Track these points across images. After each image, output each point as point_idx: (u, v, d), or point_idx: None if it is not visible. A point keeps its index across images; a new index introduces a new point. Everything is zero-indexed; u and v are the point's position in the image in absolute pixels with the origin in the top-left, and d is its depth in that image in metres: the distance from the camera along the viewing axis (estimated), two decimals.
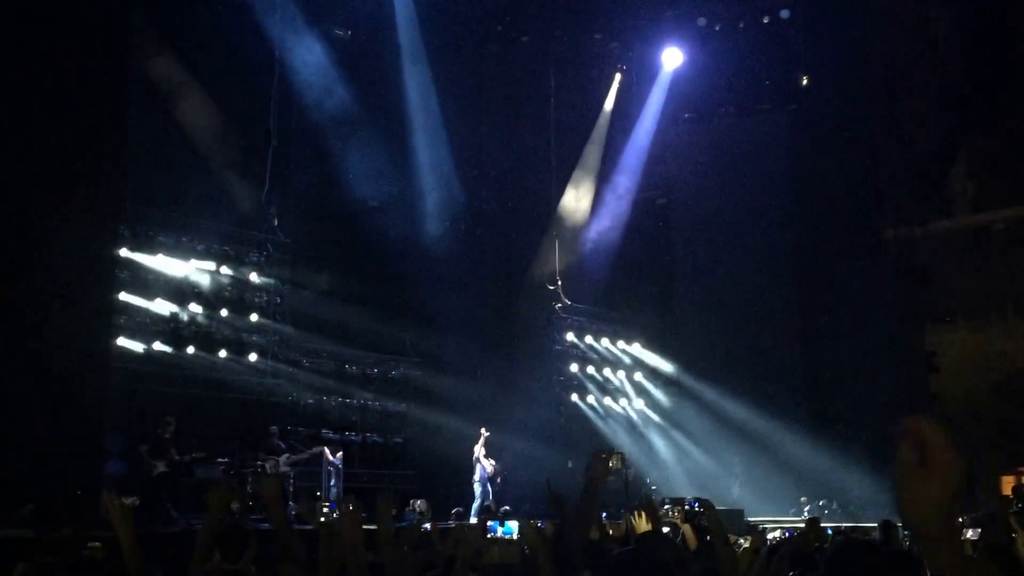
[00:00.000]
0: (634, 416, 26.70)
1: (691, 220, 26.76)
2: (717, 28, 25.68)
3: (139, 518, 13.08)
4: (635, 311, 27.15)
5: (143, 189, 18.26)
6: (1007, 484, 20.03)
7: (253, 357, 20.26)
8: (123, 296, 17.95)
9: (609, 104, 26.66)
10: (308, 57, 21.22)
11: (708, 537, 6.36)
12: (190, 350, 19.35)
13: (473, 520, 17.51)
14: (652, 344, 27.00)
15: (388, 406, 22.85)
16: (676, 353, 26.64)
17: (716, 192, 26.01)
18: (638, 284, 27.27)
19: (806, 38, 25.22)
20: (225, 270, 20.05)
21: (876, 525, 11.62)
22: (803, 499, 22.47)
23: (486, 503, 19.27)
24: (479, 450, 20.05)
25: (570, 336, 25.63)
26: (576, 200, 26.48)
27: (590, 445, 22.26)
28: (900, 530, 11.52)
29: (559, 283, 25.17)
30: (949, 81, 24.51)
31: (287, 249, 21.02)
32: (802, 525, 12.09)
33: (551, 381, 25.18)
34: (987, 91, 24.42)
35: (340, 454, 19.10)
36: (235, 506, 15.26)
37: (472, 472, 20.06)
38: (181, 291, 19.38)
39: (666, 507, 16.01)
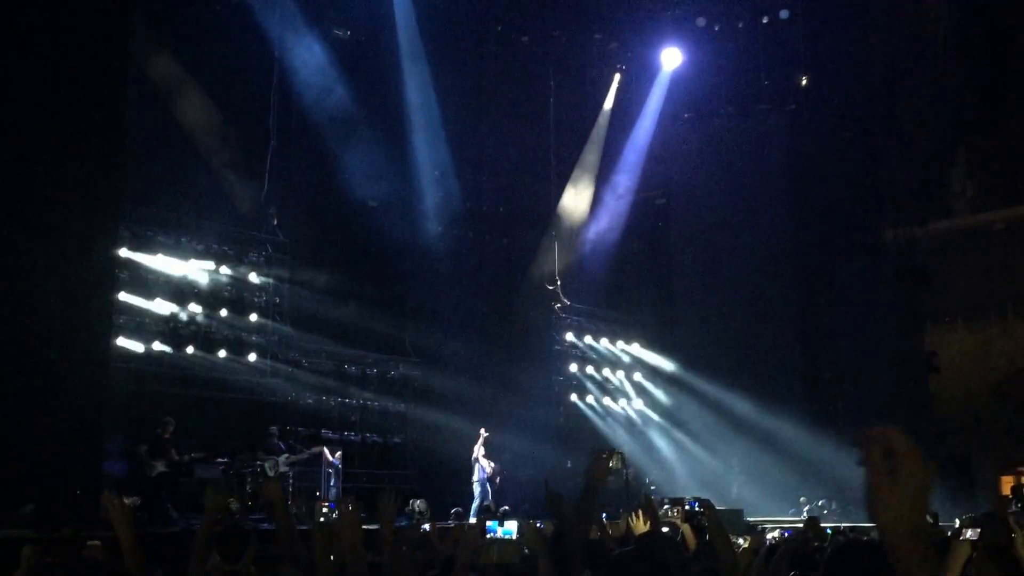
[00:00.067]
0: (634, 416, 26.70)
1: (690, 220, 26.77)
2: (716, 28, 25.70)
3: (138, 518, 13.11)
4: (634, 311, 27.17)
5: (143, 189, 18.25)
6: (1006, 484, 20.06)
7: (252, 357, 20.26)
8: (123, 296, 17.94)
9: (608, 104, 26.68)
10: (308, 57, 21.21)
11: (707, 537, 6.36)
12: (189, 350, 19.34)
13: (472, 520, 17.51)
14: (651, 344, 27.00)
15: (387, 406, 22.85)
16: (676, 353, 26.64)
17: (715, 192, 26.03)
18: (637, 284, 27.30)
19: (805, 38, 25.24)
20: (224, 270, 20.05)
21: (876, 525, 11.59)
22: (802, 499, 22.46)
23: (485, 503, 19.27)
24: (478, 450, 20.05)
25: (569, 336, 25.64)
26: (575, 200, 26.48)
27: (590, 445, 22.24)
28: None
29: (558, 283, 25.18)
30: (949, 81, 24.54)
31: (287, 249, 21.02)
32: (801, 525, 12.08)
33: (551, 381, 25.20)
34: (987, 91, 24.44)
35: (339, 454, 19.10)
36: (235, 506, 15.26)
37: (471, 472, 20.07)
38: (181, 291, 19.37)
39: (665, 507, 16.00)
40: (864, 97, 25.50)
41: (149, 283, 18.83)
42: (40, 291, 13.97)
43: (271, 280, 20.80)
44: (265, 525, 13.78)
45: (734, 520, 17.51)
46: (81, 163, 14.71)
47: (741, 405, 24.44)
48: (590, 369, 26.13)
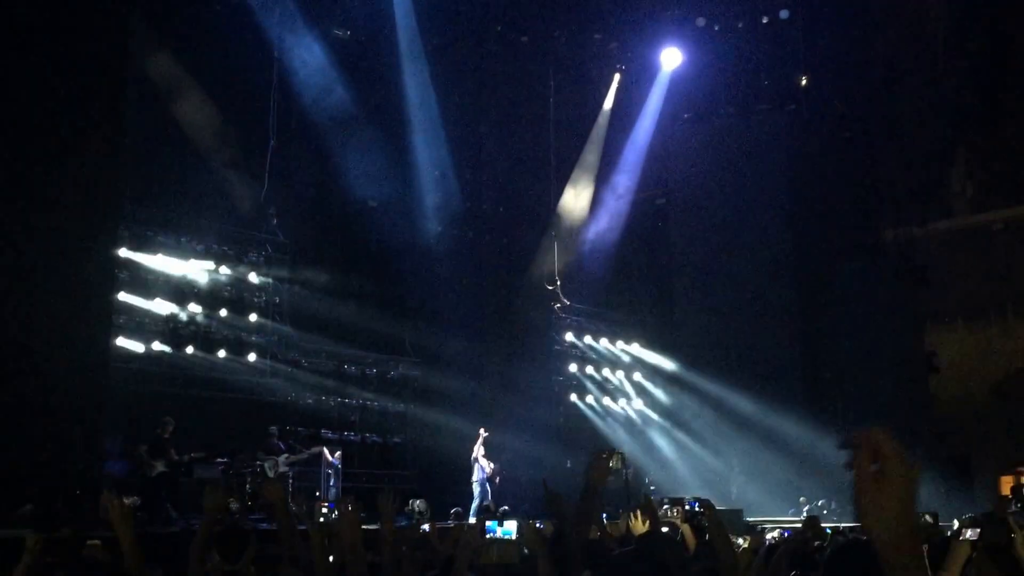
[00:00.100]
0: (633, 416, 26.70)
1: (690, 220, 26.77)
2: (716, 28, 25.69)
3: (138, 518, 13.10)
4: (634, 311, 27.16)
5: (143, 189, 18.26)
6: (1006, 484, 20.05)
7: (252, 357, 20.26)
8: (122, 296, 17.95)
9: (608, 104, 26.67)
10: (307, 57, 21.20)
11: (707, 537, 6.36)
12: (189, 350, 19.35)
13: (472, 520, 17.50)
14: (651, 344, 27.00)
15: (387, 406, 22.85)
16: (676, 353, 26.64)
17: (715, 192, 26.04)
18: (637, 284, 27.29)
19: (805, 38, 25.23)
20: (224, 270, 20.05)
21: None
22: (802, 499, 22.46)
23: (485, 503, 19.26)
24: (478, 450, 20.04)
25: (569, 336, 25.65)
26: (575, 200, 26.47)
27: (590, 445, 22.24)
28: None
29: (558, 283, 25.17)
30: (949, 81, 24.53)
31: (286, 249, 21.03)
32: (801, 526, 12.07)
33: (550, 381, 25.20)
34: (986, 91, 24.43)
35: (339, 454, 19.10)
36: (234, 506, 15.26)
37: (471, 472, 20.07)
38: (180, 291, 19.38)
39: (665, 507, 15.98)
40: (864, 97, 25.50)
41: (149, 283, 18.84)
42: (40, 291, 13.98)
43: (271, 280, 20.82)
44: (265, 525, 13.78)
45: (733, 520, 17.50)
46: (81, 163, 14.71)
47: (741, 405, 24.44)
48: (590, 369, 26.13)
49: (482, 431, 20.21)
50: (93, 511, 12.44)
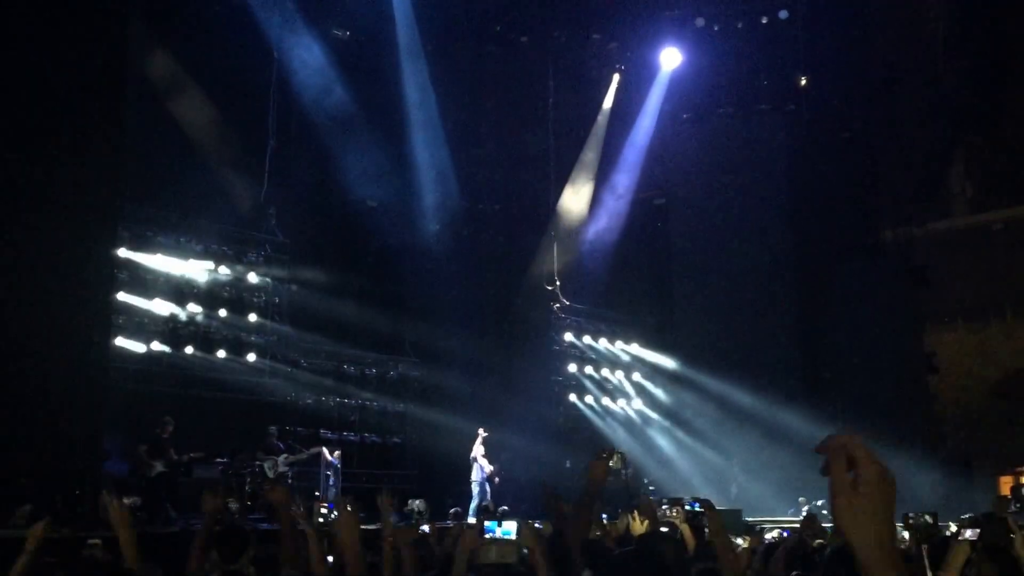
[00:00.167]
0: (633, 415, 26.70)
1: (690, 220, 26.76)
2: (716, 28, 25.68)
3: (138, 518, 13.10)
4: (634, 311, 27.15)
5: (142, 189, 18.23)
6: (1005, 484, 20.04)
7: (252, 357, 20.26)
8: (122, 296, 17.94)
9: (608, 104, 26.66)
10: (307, 57, 21.21)
11: (706, 537, 6.36)
12: (189, 350, 19.35)
13: (471, 520, 17.50)
14: (650, 344, 27.00)
15: (386, 406, 22.85)
16: (675, 353, 26.63)
17: (715, 192, 26.03)
18: (636, 284, 27.28)
19: (805, 38, 25.22)
20: (223, 270, 20.05)
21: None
22: (801, 499, 22.43)
23: (484, 503, 19.26)
24: (477, 450, 20.04)
25: (568, 336, 25.64)
26: (575, 200, 26.47)
27: (589, 445, 22.24)
28: (900, 530, 11.51)
29: (557, 283, 25.16)
30: (948, 81, 24.54)
31: (285, 249, 21.03)
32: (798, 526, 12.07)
33: (550, 381, 25.18)
34: (986, 91, 24.45)
35: (338, 453, 19.09)
36: (234, 506, 15.25)
37: (470, 472, 20.06)
38: (180, 291, 19.38)
39: (664, 507, 15.98)
40: (863, 97, 25.50)
41: (148, 283, 18.83)
42: (39, 291, 13.97)
43: (270, 280, 20.82)
44: (265, 525, 13.79)
45: (733, 520, 17.49)
46: (80, 163, 14.71)
47: (740, 405, 24.43)
48: (589, 369, 26.13)
49: (481, 431, 20.20)
50: (93, 511, 12.45)
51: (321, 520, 14.38)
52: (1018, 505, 16.55)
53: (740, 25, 25.57)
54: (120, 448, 16.70)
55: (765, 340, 25.23)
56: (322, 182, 22.15)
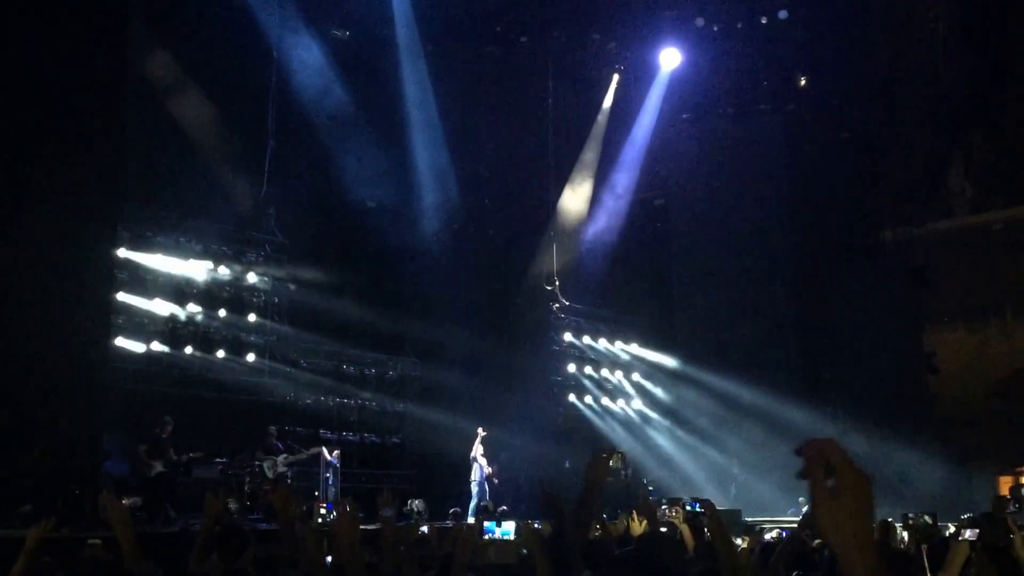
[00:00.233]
0: (632, 415, 26.70)
1: (689, 220, 26.76)
2: (715, 28, 25.66)
3: (137, 518, 13.11)
4: (633, 311, 27.15)
5: (141, 189, 18.24)
6: (1004, 485, 20.04)
7: (251, 357, 20.26)
8: (121, 296, 17.95)
9: (607, 104, 26.66)
10: (306, 57, 21.20)
11: (706, 538, 6.35)
12: (188, 350, 19.35)
13: (470, 520, 17.51)
14: (650, 344, 27.01)
15: (386, 406, 22.84)
16: (674, 353, 26.64)
17: (714, 193, 26.03)
18: (636, 284, 27.29)
19: (804, 38, 25.24)
20: (223, 270, 20.06)
21: (875, 526, 11.63)
22: (801, 499, 22.40)
23: (483, 503, 19.26)
24: (476, 449, 20.04)
25: (568, 336, 25.64)
26: (574, 200, 26.47)
27: (589, 445, 22.23)
28: (899, 530, 11.54)
29: (557, 283, 25.17)
30: (947, 81, 24.53)
31: (285, 249, 21.04)
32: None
33: (549, 381, 25.19)
34: (985, 91, 24.45)
35: (337, 453, 19.09)
36: (233, 506, 15.25)
37: (470, 472, 20.07)
38: (179, 291, 19.38)
39: (663, 507, 16.00)
40: (863, 97, 25.51)
41: (148, 283, 18.84)
42: (39, 291, 13.97)
43: (269, 280, 20.82)
44: (264, 525, 13.80)
45: (732, 520, 17.49)
46: (80, 163, 14.71)
47: (740, 405, 24.43)
48: (588, 369, 26.13)
49: (480, 431, 20.21)
50: (93, 511, 12.45)
51: (320, 520, 14.42)
52: (1017, 505, 16.55)
53: (740, 25, 25.56)
54: (120, 448, 16.71)
55: (765, 340, 25.23)
56: (321, 182, 22.13)
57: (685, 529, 7.63)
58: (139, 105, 17.64)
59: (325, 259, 21.94)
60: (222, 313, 19.91)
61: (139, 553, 5.11)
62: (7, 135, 14.14)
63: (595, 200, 26.60)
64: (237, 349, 20.11)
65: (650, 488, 22.86)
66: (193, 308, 19.47)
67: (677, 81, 26.03)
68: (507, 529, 14.62)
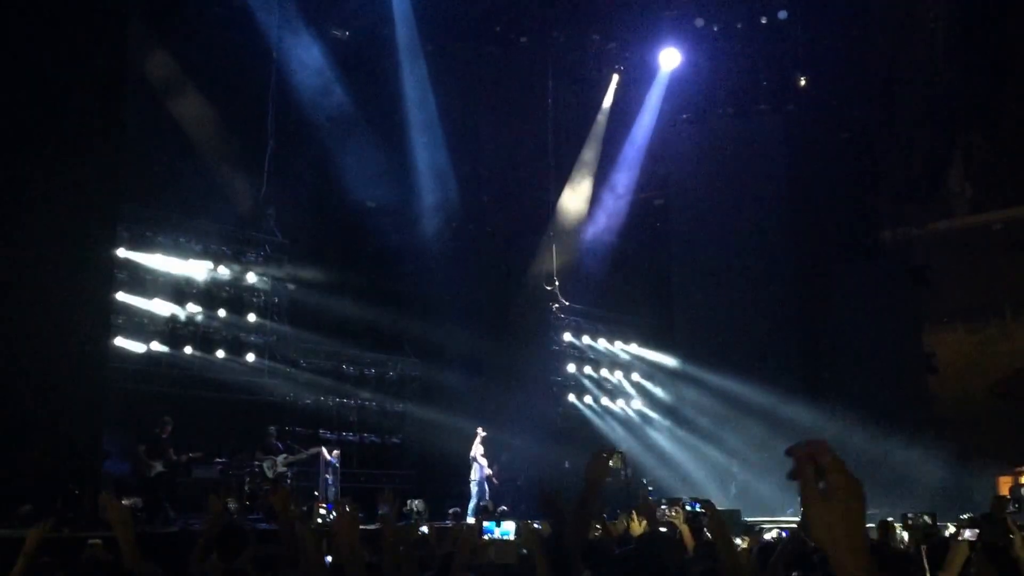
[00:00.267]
0: (632, 415, 26.70)
1: (689, 221, 26.75)
2: (715, 29, 25.68)
3: (137, 518, 13.10)
4: (633, 311, 27.16)
5: (141, 189, 18.24)
6: (1004, 485, 20.05)
7: (251, 357, 20.26)
8: (121, 296, 17.94)
9: (607, 104, 26.67)
10: (306, 57, 21.20)
11: (706, 537, 6.35)
12: (188, 350, 19.35)
13: (470, 520, 17.51)
14: (650, 344, 27.01)
15: (386, 406, 22.84)
16: (674, 353, 26.64)
17: (714, 193, 26.02)
18: (635, 284, 27.29)
19: (804, 39, 25.24)
20: (223, 270, 20.06)
21: (874, 526, 11.63)
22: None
23: (482, 503, 19.26)
24: (476, 449, 20.05)
25: (567, 336, 25.64)
26: (574, 200, 26.48)
27: (589, 445, 22.23)
28: (899, 530, 11.54)
29: (556, 283, 25.17)
30: (947, 82, 24.55)
31: (285, 249, 21.04)
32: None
33: (549, 381, 25.18)
34: (985, 92, 24.47)
35: (337, 453, 19.09)
36: (233, 506, 15.26)
37: (470, 472, 20.07)
38: (179, 291, 19.38)
39: (663, 507, 16.00)
40: (862, 97, 25.53)
41: (147, 283, 18.84)
42: (38, 291, 13.97)
43: (269, 280, 20.82)
44: (264, 525, 13.79)
45: (732, 520, 17.50)
46: (79, 163, 14.70)
47: (740, 405, 24.42)
48: (588, 369, 26.13)
49: (480, 431, 20.21)
50: (93, 511, 12.45)
51: (320, 520, 14.42)
52: (1016, 505, 16.55)
53: (739, 25, 25.57)
54: (120, 448, 16.71)
55: (765, 340, 25.23)
56: (321, 182, 22.12)
57: (685, 529, 7.63)
58: (139, 105, 17.62)
59: (325, 259, 21.94)
60: (222, 313, 19.91)
61: (139, 553, 5.11)
62: (7, 135, 14.14)
63: (595, 200, 26.61)
64: (237, 349, 20.11)
65: (650, 488, 22.86)
66: (193, 308, 19.47)
67: (677, 81, 26.04)
68: (507, 529, 14.63)
